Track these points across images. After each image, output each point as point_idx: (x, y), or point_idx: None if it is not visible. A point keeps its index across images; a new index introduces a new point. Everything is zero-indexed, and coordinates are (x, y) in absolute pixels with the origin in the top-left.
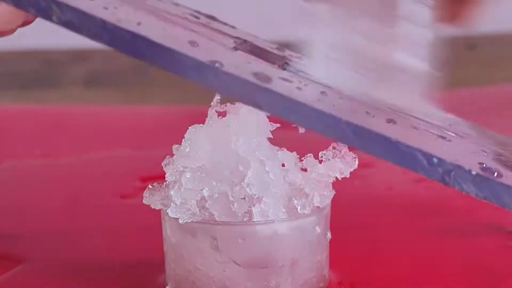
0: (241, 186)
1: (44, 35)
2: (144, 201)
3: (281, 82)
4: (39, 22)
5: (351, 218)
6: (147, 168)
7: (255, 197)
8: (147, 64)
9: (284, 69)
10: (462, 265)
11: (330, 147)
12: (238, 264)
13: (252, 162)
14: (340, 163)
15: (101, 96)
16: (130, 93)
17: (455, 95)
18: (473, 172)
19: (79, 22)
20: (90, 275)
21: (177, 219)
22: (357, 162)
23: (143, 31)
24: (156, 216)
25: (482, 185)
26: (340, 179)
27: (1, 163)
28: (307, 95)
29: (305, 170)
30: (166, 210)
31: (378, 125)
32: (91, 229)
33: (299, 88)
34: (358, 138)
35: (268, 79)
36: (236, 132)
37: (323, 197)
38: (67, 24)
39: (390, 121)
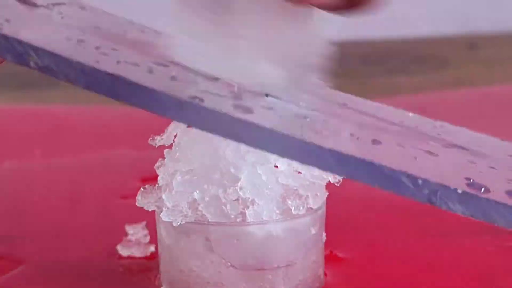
0: (234, 189)
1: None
2: (137, 204)
3: (262, 111)
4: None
5: (347, 218)
6: (148, 168)
7: (249, 200)
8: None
9: (267, 95)
10: (460, 265)
11: None
12: (232, 266)
13: (243, 166)
14: None
15: (101, 96)
16: None
17: (455, 95)
18: (459, 191)
19: (56, 66)
20: (89, 276)
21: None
22: None
23: (121, 71)
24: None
25: (468, 203)
26: (332, 183)
27: (1, 163)
28: (289, 123)
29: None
30: (160, 211)
31: (362, 149)
32: (91, 230)
33: (281, 117)
34: (341, 166)
35: (249, 110)
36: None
37: (317, 198)
38: (45, 69)
39: (375, 142)
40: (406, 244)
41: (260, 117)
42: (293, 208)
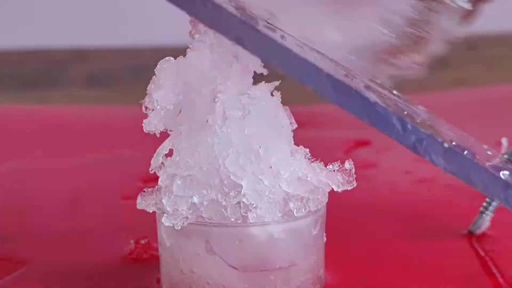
0: (234, 192)
1: (45, 35)
2: (137, 206)
3: (266, 28)
4: (39, 22)
5: (351, 219)
6: (149, 169)
7: (253, 205)
8: None
9: (268, 23)
10: (462, 266)
11: (339, 161)
12: (233, 267)
13: (243, 175)
14: (341, 177)
15: (102, 96)
16: (130, 93)
17: (455, 95)
18: (445, 145)
19: None
20: (88, 277)
21: None
22: (355, 184)
23: None
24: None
25: (452, 159)
26: (335, 191)
27: (2, 163)
28: (291, 44)
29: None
30: (160, 213)
31: (357, 86)
32: (93, 231)
33: (282, 37)
34: (336, 92)
35: (254, 20)
36: (225, 146)
37: (318, 201)
38: None
39: (367, 87)
40: (408, 245)
41: (263, 29)
42: (295, 211)
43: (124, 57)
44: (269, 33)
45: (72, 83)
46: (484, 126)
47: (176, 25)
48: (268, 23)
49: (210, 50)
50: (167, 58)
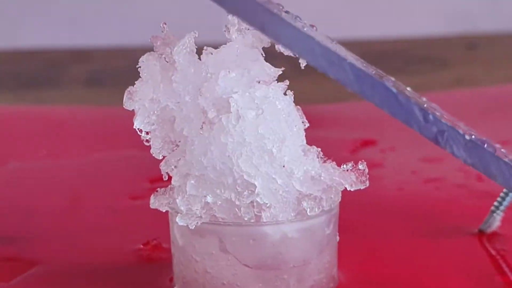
0: (248, 192)
1: (44, 35)
2: (150, 206)
3: (289, 18)
4: (39, 22)
5: (360, 219)
6: (156, 169)
7: (267, 205)
8: None
9: (289, 13)
10: (473, 265)
11: (352, 162)
12: (247, 266)
13: (257, 174)
14: (354, 176)
15: (102, 96)
16: None
17: (455, 95)
18: (467, 137)
19: None
20: (100, 277)
21: None
22: (368, 183)
23: None
24: (165, 217)
25: (473, 152)
26: (348, 190)
27: (6, 164)
28: (313, 34)
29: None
30: (174, 212)
31: (377, 75)
32: (100, 231)
33: (303, 27)
34: (359, 81)
35: (278, 9)
36: (238, 144)
37: (331, 200)
38: None
39: (387, 80)
40: (419, 244)
41: (287, 18)
42: (308, 210)
43: (124, 57)
44: (292, 22)
45: (72, 83)
46: (483, 126)
47: (176, 25)
48: (288, 12)
49: (159, 61)
50: (127, 90)
